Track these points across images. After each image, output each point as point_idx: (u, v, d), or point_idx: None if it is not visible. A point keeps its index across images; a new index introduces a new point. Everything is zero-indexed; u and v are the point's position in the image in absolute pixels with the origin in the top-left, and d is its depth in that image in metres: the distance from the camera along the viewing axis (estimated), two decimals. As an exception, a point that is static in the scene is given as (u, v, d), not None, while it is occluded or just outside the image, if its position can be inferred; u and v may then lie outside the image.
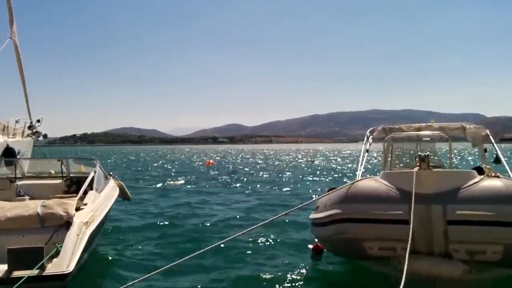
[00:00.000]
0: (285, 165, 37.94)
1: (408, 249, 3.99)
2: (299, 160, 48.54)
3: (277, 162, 44.39)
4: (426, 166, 4.58)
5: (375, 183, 4.88)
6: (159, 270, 4.48)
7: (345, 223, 4.83)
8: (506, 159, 6.38)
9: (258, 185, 19.58)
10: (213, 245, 4.95)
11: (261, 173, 28.42)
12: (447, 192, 4.47)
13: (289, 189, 18.00)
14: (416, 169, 4.65)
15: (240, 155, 68.90)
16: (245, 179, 23.05)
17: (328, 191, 6.81)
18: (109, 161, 47.74)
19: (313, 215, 5.65)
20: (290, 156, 60.57)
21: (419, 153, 4.82)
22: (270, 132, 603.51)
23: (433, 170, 4.66)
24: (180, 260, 4.57)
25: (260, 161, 47.47)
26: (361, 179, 5.17)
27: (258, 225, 5.34)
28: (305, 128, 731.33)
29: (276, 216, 5.24)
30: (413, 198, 4.35)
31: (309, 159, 49.72)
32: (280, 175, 26.39)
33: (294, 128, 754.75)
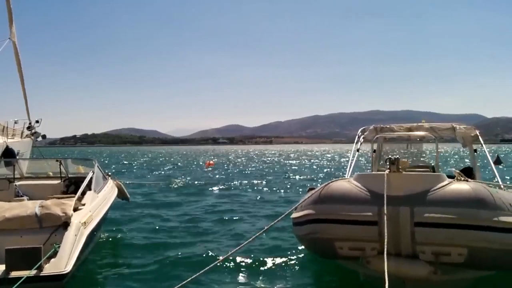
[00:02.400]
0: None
1: (385, 250, 4.11)
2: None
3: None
4: (395, 168, 4.68)
5: (348, 185, 5.00)
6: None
7: (317, 223, 4.96)
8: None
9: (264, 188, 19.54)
10: (221, 259, 4.98)
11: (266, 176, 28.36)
12: (415, 195, 4.57)
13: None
14: (386, 171, 4.74)
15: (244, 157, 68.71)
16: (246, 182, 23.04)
17: (308, 191, 6.89)
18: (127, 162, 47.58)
19: (293, 215, 5.77)
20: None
21: (389, 156, 4.90)
22: (270, 132, 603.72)
23: (403, 172, 4.76)
24: (189, 279, 4.58)
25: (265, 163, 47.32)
26: (334, 180, 5.27)
27: (257, 234, 5.36)
28: (306, 129, 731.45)
29: (272, 223, 5.28)
30: (385, 200, 4.45)
31: None
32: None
33: (295, 129, 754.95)
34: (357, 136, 7.45)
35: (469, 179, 5.03)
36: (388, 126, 7.43)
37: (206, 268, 4.80)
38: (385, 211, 4.40)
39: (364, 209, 4.65)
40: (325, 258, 5.70)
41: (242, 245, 5.29)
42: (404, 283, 4.58)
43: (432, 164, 8.44)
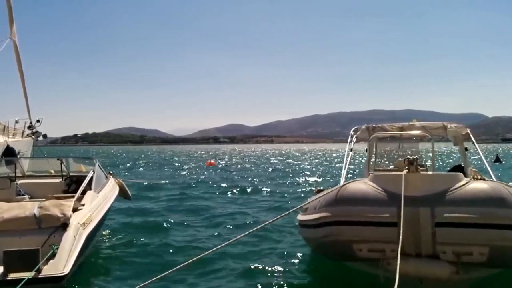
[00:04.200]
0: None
1: (399, 251, 4.05)
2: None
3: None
4: (414, 169, 4.65)
5: (364, 186, 4.91)
6: (158, 276, 4.40)
7: (334, 226, 4.87)
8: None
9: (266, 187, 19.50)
10: (214, 249, 4.94)
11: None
12: (435, 195, 4.54)
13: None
14: (404, 171, 4.70)
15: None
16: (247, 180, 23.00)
17: (316, 192, 6.80)
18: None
19: (301, 217, 5.67)
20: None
21: (408, 156, 4.85)
22: (271, 132, 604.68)
23: (421, 173, 4.73)
24: (177, 267, 4.54)
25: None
26: (350, 182, 5.18)
27: (255, 228, 5.32)
28: (306, 128, 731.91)
29: (272, 220, 5.25)
30: (402, 200, 4.40)
31: None
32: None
33: (295, 128, 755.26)
34: (349, 136, 7.43)
35: (486, 178, 5.00)
36: (380, 126, 7.42)
37: (194, 258, 4.64)
38: (402, 212, 4.34)
39: (383, 210, 4.58)
40: (341, 261, 5.60)
41: (234, 239, 5.18)
42: (421, 283, 4.54)
43: (428, 163, 8.44)
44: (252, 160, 52.22)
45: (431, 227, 4.43)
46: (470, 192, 4.51)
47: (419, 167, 6.62)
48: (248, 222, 10.29)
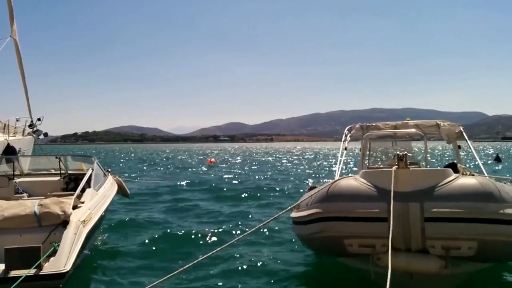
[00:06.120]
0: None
1: (389, 246, 4.10)
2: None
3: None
4: (404, 165, 4.69)
5: (355, 182, 4.98)
6: (159, 280, 4.46)
7: (325, 222, 4.94)
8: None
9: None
10: (213, 251, 4.99)
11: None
12: (424, 190, 4.59)
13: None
14: (394, 167, 4.75)
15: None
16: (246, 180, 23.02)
17: (308, 189, 6.83)
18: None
19: (294, 214, 5.74)
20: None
21: (397, 152, 4.92)
22: (271, 130, 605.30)
23: (410, 169, 4.77)
24: (180, 270, 4.61)
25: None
26: (341, 178, 5.24)
27: (252, 230, 5.34)
28: (306, 127, 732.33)
29: (270, 219, 5.33)
30: (391, 196, 4.45)
31: None
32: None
33: (295, 126, 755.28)
34: (344, 135, 7.48)
35: (475, 174, 5.02)
36: (374, 124, 7.48)
37: (194, 262, 4.72)
38: (392, 207, 4.40)
39: (373, 206, 4.63)
40: (332, 256, 5.67)
41: (233, 240, 5.23)
42: (412, 278, 4.60)
43: (420, 160, 8.51)
44: (252, 159, 52.26)
45: (420, 222, 4.48)
46: (459, 187, 4.57)
47: (412, 164, 6.68)
48: (248, 222, 10.34)
